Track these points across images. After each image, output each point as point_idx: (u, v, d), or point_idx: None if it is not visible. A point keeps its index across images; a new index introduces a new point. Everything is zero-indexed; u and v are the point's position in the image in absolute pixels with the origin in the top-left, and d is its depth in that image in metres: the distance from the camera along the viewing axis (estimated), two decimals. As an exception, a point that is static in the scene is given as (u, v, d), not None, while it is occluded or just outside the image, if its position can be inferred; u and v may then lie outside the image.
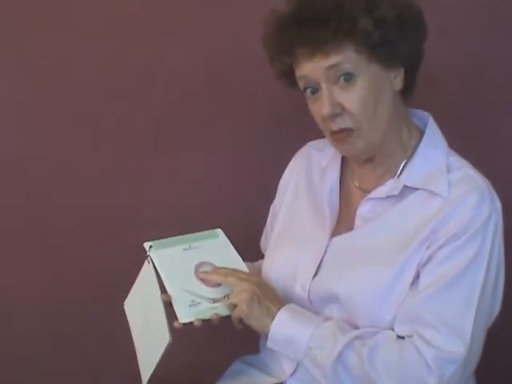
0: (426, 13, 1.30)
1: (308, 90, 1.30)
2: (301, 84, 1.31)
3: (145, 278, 1.38)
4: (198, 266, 1.36)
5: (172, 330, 1.27)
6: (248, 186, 1.82)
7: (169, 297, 1.31)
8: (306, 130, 1.34)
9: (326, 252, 1.34)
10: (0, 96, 1.82)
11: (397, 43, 1.26)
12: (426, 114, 1.38)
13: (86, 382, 1.91)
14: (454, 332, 1.21)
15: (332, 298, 1.30)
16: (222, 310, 1.32)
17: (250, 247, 1.50)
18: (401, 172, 1.33)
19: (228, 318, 1.32)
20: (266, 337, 1.31)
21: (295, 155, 1.53)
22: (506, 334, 1.47)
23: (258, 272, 1.45)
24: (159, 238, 1.38)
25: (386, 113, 1.29)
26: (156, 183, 1.84)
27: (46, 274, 1.87)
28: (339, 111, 1.27)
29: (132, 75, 1.80)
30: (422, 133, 1.35)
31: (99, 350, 1.88)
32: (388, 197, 1.32)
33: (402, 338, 1.25)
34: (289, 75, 1.34)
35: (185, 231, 1.42)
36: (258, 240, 1.62)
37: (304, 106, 1.34)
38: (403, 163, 1.33)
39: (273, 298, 1.32)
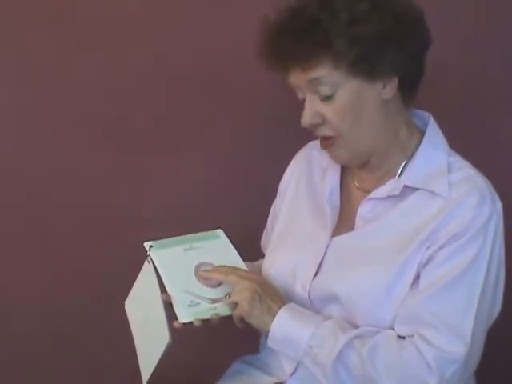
0: (425, 13, 1.30)
1: (300, 94, 1.31)
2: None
3: (145, 277, 1.38)
4: (198, 267, 1.36)
5: (172, 329, 1.27)
6: (248, 186, 1.82)
7: (169, 297, 1.31)
8: (306, 130, 1.34)
9: (326, 252, 1.34)
10: (0, 96, 1.83)
11: (379, 58, 1.24)
12: (426, 114, 1.38)
13: (86, 382, 1.91)
14: (455, 332, 1.21)
15: (332, 298, 1.30)
16: (221, 310, 1.32)
17: (250, 247, 1.50)
18: (401, 172, 1.33)
19: (228, 318, 1.32)
20: (267, 336, 1.31)
21: (296, 155, 1.53)
22: (506, 334, 1.47)
23: (259, 272, 1.45)
24: (159, 238, 1.38)
25: (371, 123, 1.29)
26: (156, 183, 1.84)
27: (46, 274, 1.87)
28: (320, 121, 1.29)
29: (132, 75, 1.80)
30: (422, 133, 1.35)
31: (99, 349, 1.88)
32: (388, 197, 1.32)
33: (403, 337, 1.25)
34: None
35: (185, 231, 1.41)
36: (258, 240, 1.62)
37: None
38: (403, 164, 1.33)
39: (274, 296, 1.32)
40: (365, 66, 1.24)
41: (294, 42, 1.24)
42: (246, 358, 1.48)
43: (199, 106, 1.81)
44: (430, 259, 1.25)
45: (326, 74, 1.25)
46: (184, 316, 1.29)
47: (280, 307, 1.30)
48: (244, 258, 1.42)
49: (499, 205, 1.28)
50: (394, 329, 1.26)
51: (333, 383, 1.25)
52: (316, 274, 1.34)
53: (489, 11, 1.69)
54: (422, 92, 1.34)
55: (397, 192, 1.31)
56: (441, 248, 1.24)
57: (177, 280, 1.33)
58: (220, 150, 1.83)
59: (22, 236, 1.87)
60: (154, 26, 1.79)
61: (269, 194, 1.55)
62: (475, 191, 1.26)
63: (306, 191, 1.45)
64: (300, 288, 1.35)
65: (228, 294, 1.33)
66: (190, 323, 1.29)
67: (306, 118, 1.29)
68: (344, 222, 1.37)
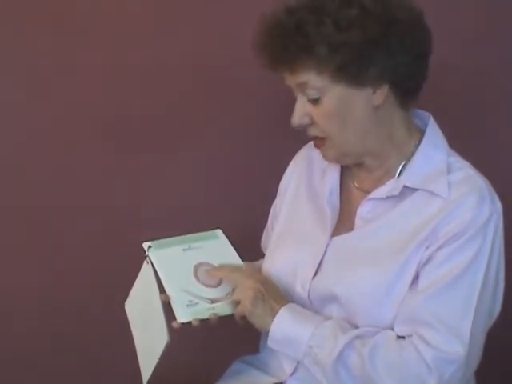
0: (425, 13, 1.29)
1: (295, 93, 1.32)
2: None
3: (144, 278, 1.38)
4: (196, 267, 1.36)
5: (171, 329, 1.28)
6: (248, 186, 1.82)
7: (167, 297, 1.31)
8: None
9: (326, 252, 1.34)
10: (0, 96, 1.83)
11: (365, 64, 1.23)
12: (426, 114, 1.37)
13: (86, 382, 1.91)
14: (453, 332, 1.21)
15: (332, 298, 1.30)
16: (220, 309, 1.32)
17: (249, 247, 1.50)
18: (400, 172, 1.33)
19: (227, 317, 1.32)
20: (267, 336, 1.31)
21: (296, 156, 1.53)
22: (506, 334, 1.47)
23: (259, 271, 1.45)
24: (159, 238, 1.38)
25: (360, 128, 1.28)
26: (156, 183, 1.84)
27: (46, 274, 1.87)
28: (308, 122, 1.30)
29: (132, 75, 1.80)
30: (422, 133, 1.35)
31: (99, 349, 1.88)
32: (388, 197, 1.32)
33: (403, 337, 1.25)
34: None
35: (185, 231, 1.42)
36: (258, 240, 1.62)
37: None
38: (402, 164, 1.33)
39: (277, 296, 1.32)
40: (350, 72, 1.23)
41: (280, 45, 1.24)
42: (246, 358, 1.48)
43: (199, 106, 1.81)
44: (429, 259, 1.25)
45: (311, 78, 1.25)
46: (182, 316, 1.30)
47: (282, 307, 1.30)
48: (244, 258, 1.42)
49: (499, 205, 1.28)
50: (393, 329, 1.26)
51: (333, 383, 1.26)
52: (316, 274, 1.34)
53: (489, 11, 1.69)
54: (422, 92, 1.34)
55: (396, 192, 1.31)
56: (440, 248, 1.24)
57: (175, 280, 1.33)
58: (220, 150, 1.83)
59: (21, 236, 1.87)
60: (154, 26, 1.79)
61: (269, 194, 1.55)
62: (475, 191, 1.26)
63: (306, 191, 1.45)
64: (300, 288, 1.35)
65: (229, 294, 1.33)
66: (189, 323, 1.29)
67: (296, 118, 1.30)
68: (344, 222, 1.37)
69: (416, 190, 1.30)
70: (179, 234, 1.41)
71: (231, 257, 1.40)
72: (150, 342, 1.33)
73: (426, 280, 1.24)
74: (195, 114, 1.81)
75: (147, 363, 1.32)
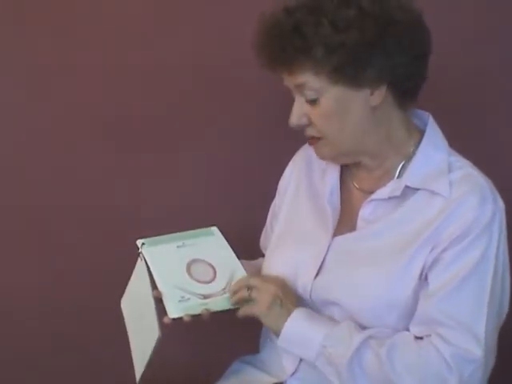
0: (425, 13, 1.29)
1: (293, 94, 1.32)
2: None
3: (138, 275, 1.39)
4: (190, 263, 1.36)
5: (162, 325, 1.28)
6: (248, 186, 1.82)
7: (160, 293, 1.32)
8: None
9: (327, 252, 1.34)
10: (0, 96, 1.83)
11: (362, 65, 1.23)
12: (426, 113, 1.37)
13: (86, 382, 1.91)
14: (470, 330, 1.21)
15: (334, 298, 1.30)
16: (213, 305, 1.32)
17: (249, 247, 1.50)
18: (400, 172, 1.33)
19: (220, 313, 1.32)
20: (267, 336, 1.30)
21: (295, 155, 1.53)
22: (506, 333, 1.47)
23: (258, 271, 1.45)
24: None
25: (357, 128, 1.29)
26: (156, 183, 1.84)
27: (46, 274, 1.87)
28: (306, 122, 1.30)
29: (132, 75, 1.80)
30: (422, 133, 1.35)
31: (99, 349, 1.88)
32: (390, 198, 1.31)
33: (420, 338, 1.25)
34: None
35: (184, 231, 1.42)
36: (258, 240, 1.62)
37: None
38: (401, 164, 1.33)
39: (294, 300, 1.32)
40: (347, 73, 1.23)
41: (278, 46, 1.25)
42: (246, 358, 1.48)
43: (199, 106, 1.81)
44: (435, 262, 1.24)
45: (308, 79, 1.25)
46: (173, 311, 1.30)
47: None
48: (243, 258, 1.42)
49: (501, 203, 1.28)
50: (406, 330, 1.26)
51: (346, 383, 1.25)
52: (317, 275, 1.34)
53: (489, 11, 1.69)
54: (422, 92, 1.34)
55: (398, 193, 1.31)
56: (445, 250, 1.24)
57: (168, 276, 1.34)
58: (220, 150, 1.83)
59: (21, 236, 1.87)
60: (154, 26, 1.79)
61: (269, 194, 1.55)
62: (476, 191, 1.26)
63: (306, 191, 1.45)
64: (301, 289, 1.35)
65: (224, 289, 1.33)
66: (180, 318, 1.30)
67: (294, 119, 1.30)
68: (345, 222, 1.37)
69: (417, 190, 1.30)
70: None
71: (226, 254, 1.40)
72: (143, 339, 1.33)
73: (436, 282, 1.24)
74: (195, 114, 1.81)
75: (140, 359, 1.33)
